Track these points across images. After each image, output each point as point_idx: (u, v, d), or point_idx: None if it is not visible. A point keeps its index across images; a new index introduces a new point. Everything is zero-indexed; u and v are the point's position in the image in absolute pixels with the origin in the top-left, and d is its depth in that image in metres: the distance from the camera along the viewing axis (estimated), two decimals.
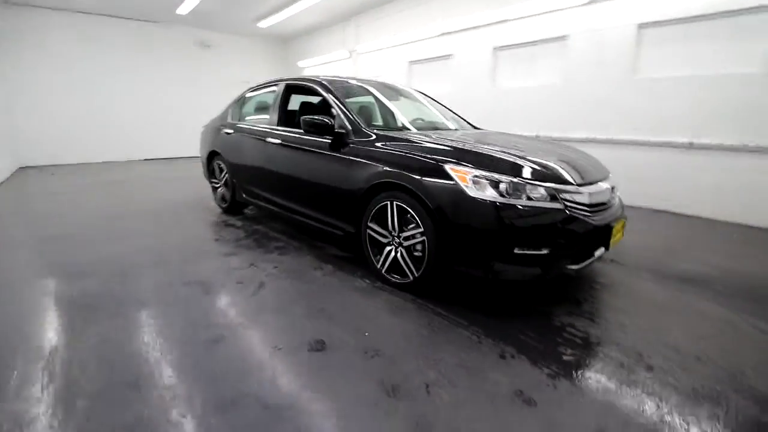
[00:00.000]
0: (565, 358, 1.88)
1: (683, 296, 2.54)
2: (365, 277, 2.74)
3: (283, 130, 3.44)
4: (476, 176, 2.12)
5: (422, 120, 3.65)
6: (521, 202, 2.08)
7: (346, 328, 2.10)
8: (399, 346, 1.95)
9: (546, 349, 1.94)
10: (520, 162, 2.24)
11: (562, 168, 2.31)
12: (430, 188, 2.22)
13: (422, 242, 2.32)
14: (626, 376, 1.75)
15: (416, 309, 2.32)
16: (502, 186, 2.09)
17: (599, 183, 2.41)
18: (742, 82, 4.11)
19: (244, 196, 4.09)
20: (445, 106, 4.06)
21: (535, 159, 2.32)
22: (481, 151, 2.31)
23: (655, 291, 2.62)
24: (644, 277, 2.83)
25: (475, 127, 3.76)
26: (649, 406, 1.56)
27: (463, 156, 2.26)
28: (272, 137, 3.49)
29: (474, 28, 6.46)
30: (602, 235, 2.26)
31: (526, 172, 2.17)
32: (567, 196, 2.17)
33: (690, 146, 4.54)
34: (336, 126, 2.86)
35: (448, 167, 2.19)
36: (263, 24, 9.40)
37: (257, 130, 3.73)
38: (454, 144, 2.45)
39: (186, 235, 3.70)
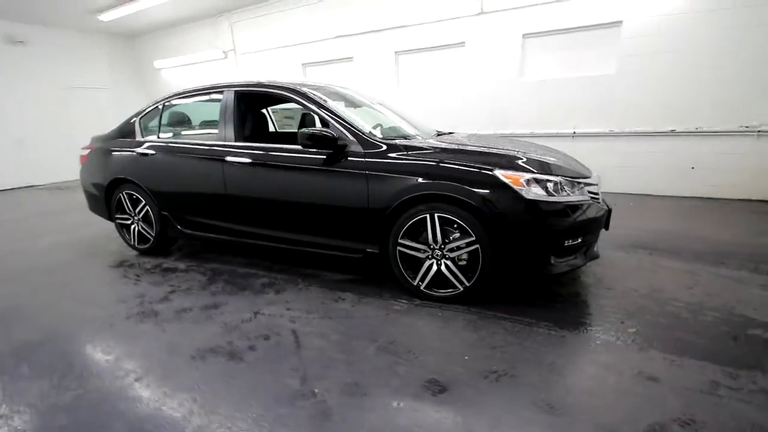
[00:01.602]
0: (630, 330, 2.12)
1: (647, 257, 3.12)
2: (399, 297, 2.56)
3: (252, 147, 2.89)
4: (528, 179, 2.20)
5: (381, 126, 3.54)
6: (566, 198, 2.25)
7: (438, 357, 1.94)
8: (506, 360, 1.89)
9: (611, 328, 2.15)
10: (553, 161, 2.41)
11: (572, 164, 2.57)
12: (484, 196, 2.19)
13: (472, 251, 2.29)
14: (683, 334, 2.07)
15: (480, 319, 2.28)
16: (550, 185, 2.22)
17: (594, 175, 2.77)
18: (603, 82, 5.23)
19: (180, 229, 3.31)
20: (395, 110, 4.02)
21: (556, 158, 2.53)
22: (517, 155, 2.39)
23: (625, 258, 3.14)
24: (606, 247, 3.36)
25: (440, 132, 3.80)
26: (715, 350, 1.89)
27: (508, 161, 2.31)
28: (234, 156, 2.90)
29: (374, 31, 6.54)
30: (607, 218, 2.61)
31: (564, 171, 2.36)
32: (588, 188, 2.44)
33: (574, 135, 5.57)
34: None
35: (499, 173, 2.21)
36: (105, 17, 7.63)
37: (204, 148, 3.05)
38: (485, 149, 2.47)
39: (128, 293, 2.80)
